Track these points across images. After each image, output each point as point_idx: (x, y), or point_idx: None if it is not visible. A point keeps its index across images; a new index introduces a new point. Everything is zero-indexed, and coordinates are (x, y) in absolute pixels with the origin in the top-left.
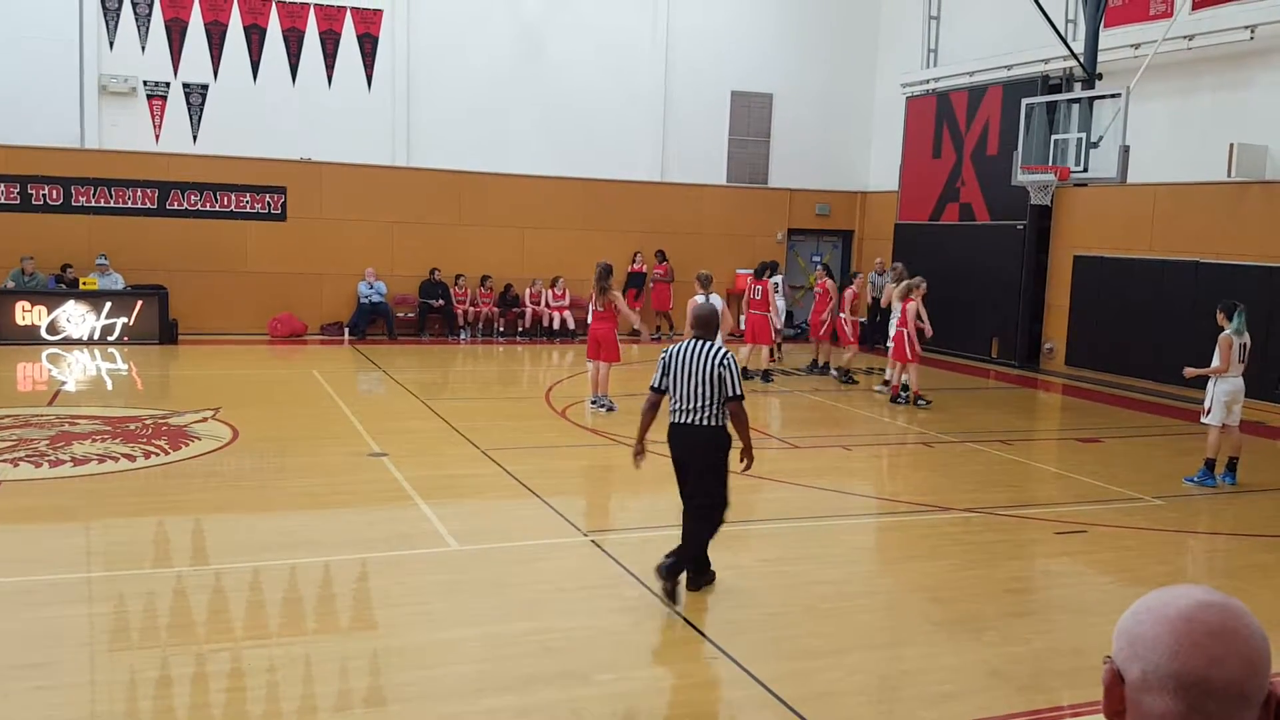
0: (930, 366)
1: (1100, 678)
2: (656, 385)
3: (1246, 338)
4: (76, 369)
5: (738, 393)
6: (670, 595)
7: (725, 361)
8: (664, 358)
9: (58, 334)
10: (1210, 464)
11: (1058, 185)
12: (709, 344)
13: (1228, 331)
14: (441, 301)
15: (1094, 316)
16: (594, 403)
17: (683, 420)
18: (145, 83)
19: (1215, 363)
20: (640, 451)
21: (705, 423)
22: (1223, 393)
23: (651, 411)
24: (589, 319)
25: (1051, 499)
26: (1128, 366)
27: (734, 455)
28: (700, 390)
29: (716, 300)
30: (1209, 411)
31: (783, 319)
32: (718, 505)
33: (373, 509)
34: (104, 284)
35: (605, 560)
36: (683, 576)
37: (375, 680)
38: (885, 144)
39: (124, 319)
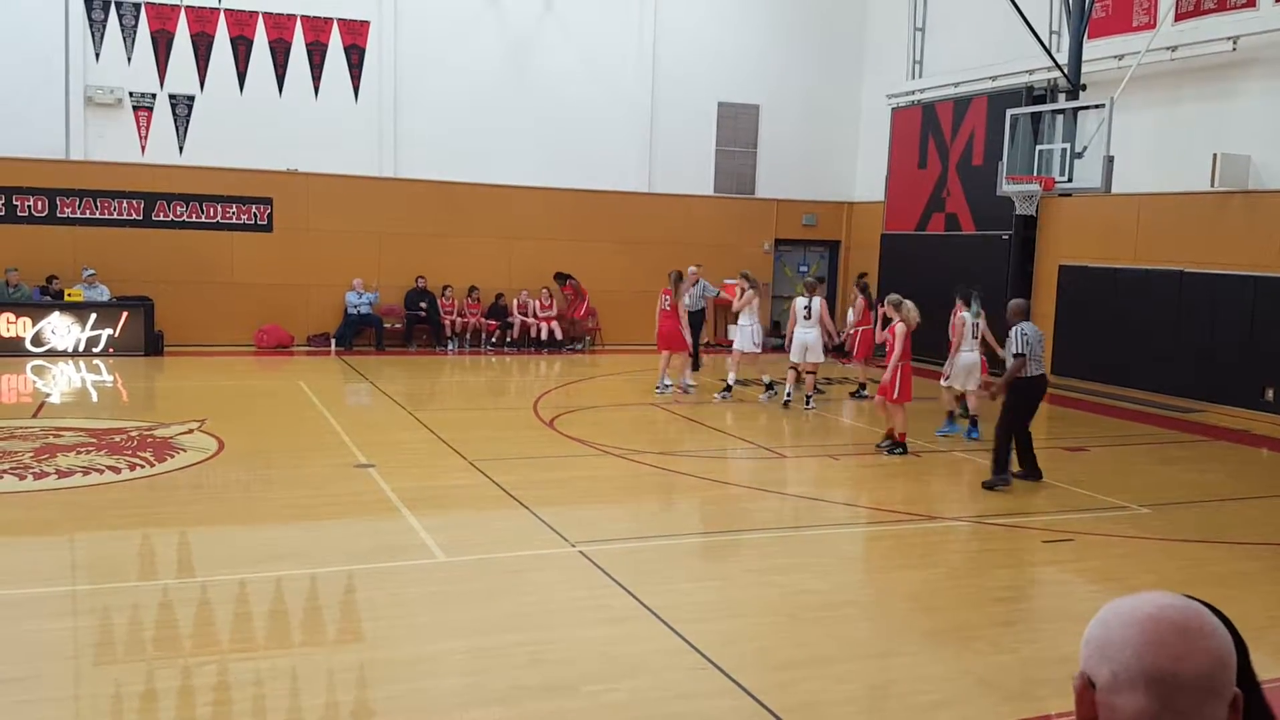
0: (917, 376)
1: (1072, 687)
2: (1020, 351)
3: (982, 320)
4: (61, 381)
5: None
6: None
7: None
8: (1025, 333)
9: (43, 346)
10: (951, 416)
11: (1042, 195)
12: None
13: (963, 314)
14: (424, 308)
15: (1079, 326)
16: (665, 388)
17: (1041, 373)
18: (131, 94)
19: (954, 341)
20: (1005, 387)
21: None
22: (963, 364)
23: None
24: (657, 316)
25: (1039, 508)
26: (1113, 375)
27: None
28: (1041, 354)
29: (818, 301)
30: (948, 377)
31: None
32: None
33: (359, 520)
34: (90, 296)
35: (593, 571)
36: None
37: (362, 693)
38: (871, 155)
39: (109, 330)
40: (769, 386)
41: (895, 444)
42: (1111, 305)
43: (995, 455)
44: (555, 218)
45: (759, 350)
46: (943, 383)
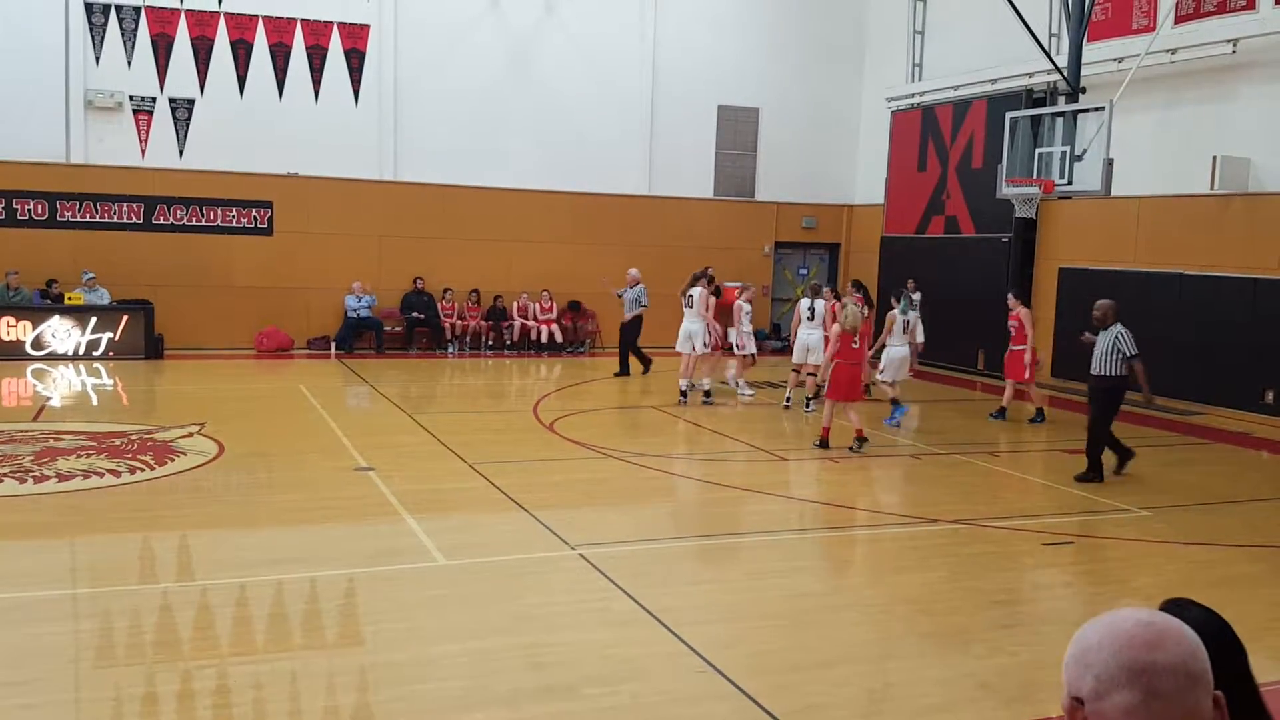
0: (918, 379)
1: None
2: (1134, 353)
3: (910, 316)
4: (62, 384)
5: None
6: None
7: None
8: (1131, 336)
9: (43, 349)
10: (895, 402)
11: (1042, 198)
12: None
13: (894, 311)
14: (418, 314)
15: (1079, 328)
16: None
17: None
18: (131, 97)
19: (883, 334)
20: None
21: None
22: (893, 357)
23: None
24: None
25: (1039, 511)
26: None
27: None
28: None
29: (821, 303)
30: (883, 370)
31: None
32: None
33: (359, 524)
34: (90, 299)
35: (593, 574)
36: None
37: (362, 696)
38: (871, 157)
39: (110, 334)
40: (683, 393)
41: (822, 441)
42: None
43: (1091, 452)
44: (555, 221)
45: (693, 353)
46: (878, 376)
